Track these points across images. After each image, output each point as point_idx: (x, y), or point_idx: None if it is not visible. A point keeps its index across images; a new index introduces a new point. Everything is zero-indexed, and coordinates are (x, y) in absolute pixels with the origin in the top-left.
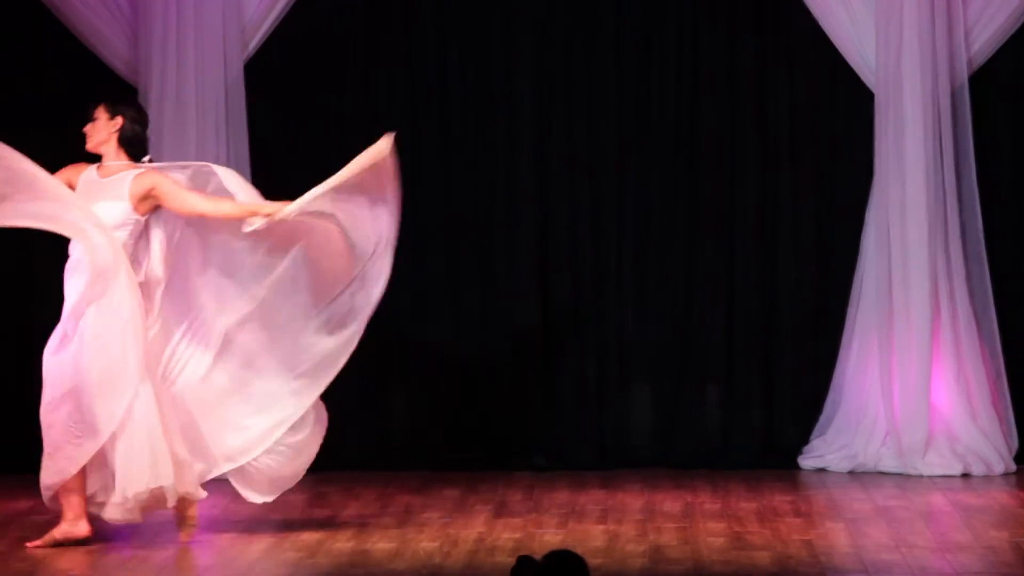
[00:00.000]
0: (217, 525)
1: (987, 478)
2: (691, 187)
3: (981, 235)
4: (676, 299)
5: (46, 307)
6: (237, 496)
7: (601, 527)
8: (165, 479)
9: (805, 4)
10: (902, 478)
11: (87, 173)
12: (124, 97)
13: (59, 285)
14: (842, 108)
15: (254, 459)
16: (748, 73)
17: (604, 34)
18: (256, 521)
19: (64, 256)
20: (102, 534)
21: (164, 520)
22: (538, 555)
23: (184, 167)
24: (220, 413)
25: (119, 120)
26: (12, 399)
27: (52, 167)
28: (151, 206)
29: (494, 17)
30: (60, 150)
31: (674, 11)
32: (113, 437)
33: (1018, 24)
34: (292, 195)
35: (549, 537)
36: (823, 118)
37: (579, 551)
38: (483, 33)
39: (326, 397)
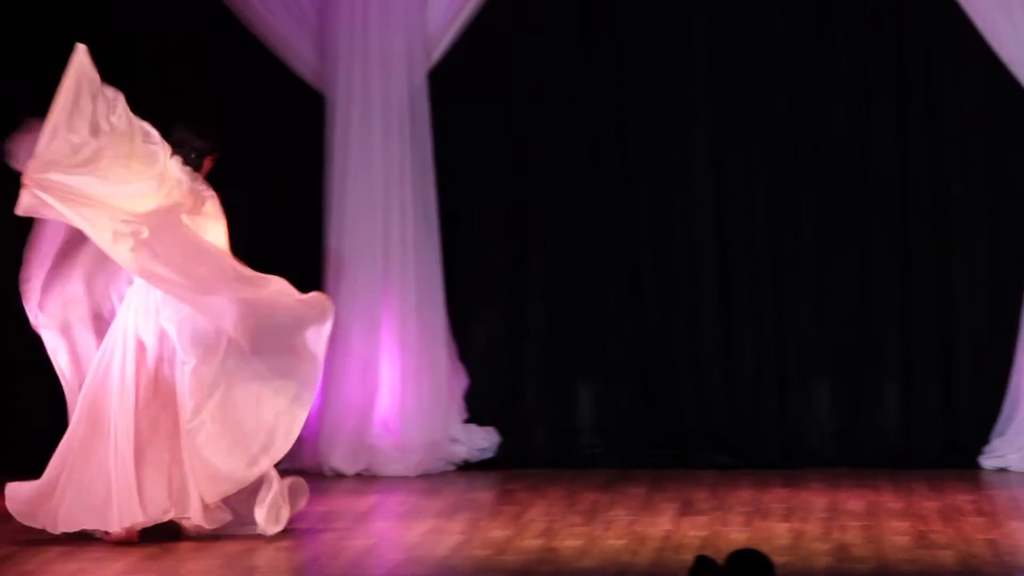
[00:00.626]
0: (406, 522)
1: None
2: (865, 188)
3: None
4: (853, 298)
5: None
6: (426, 493)
7: (786, 525)
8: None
9: (970, 20)
10: None
11: None
12: None
13: None
14: (1012, 123)
15: None
16: (917, 82)
17: (776, 39)
18: (444, 519)
19: None
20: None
21: (364, 512)
22: (724, 554)
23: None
24: None
25: None
26: None
27: (244, 173)
28: None
29: (672, 22)
30: (250, 157)
31: (843, 22)
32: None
33: None
34: (476, 199)
35: (735, 535)
36: (993, 124)
37: (764, 549)
38: (661, 38)
39: (509, 397)
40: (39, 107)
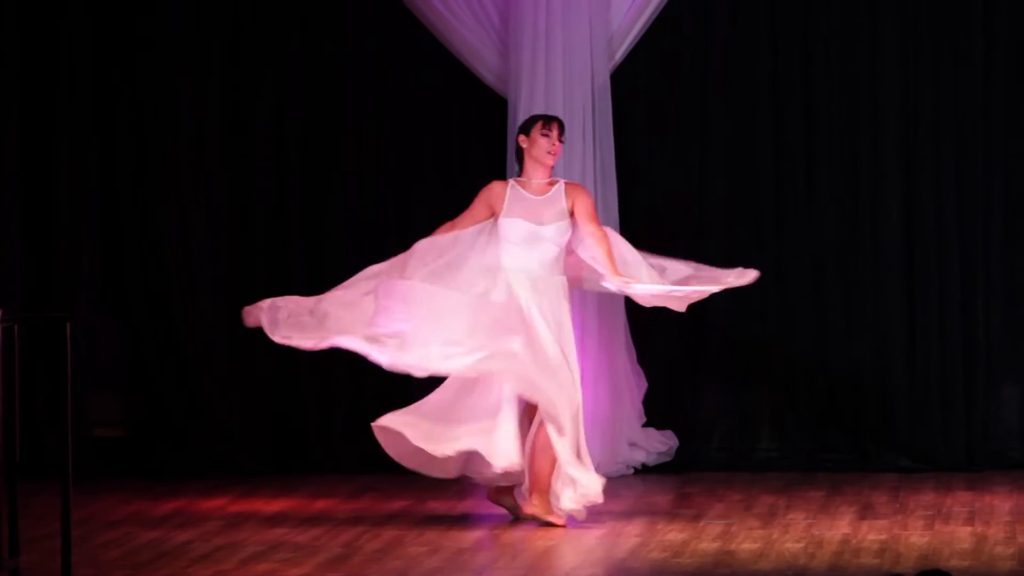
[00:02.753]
0: (584, 525)
1: None
2: None
3: None
4: None
5: None
6: (605, 495)
7: (968, 529)
8: None
9: None
10: None
11: (512, 190)
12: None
13: None
14: None
15: None
16: None
17: (971, 48)
18: (622, 521)
19: None
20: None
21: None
22: (904, 557)
23: None
24: None
25: None
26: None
27: (428, 179)
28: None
29: (860, 21)
30: (434, 163)
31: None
32: None
33: None
34: (657, 201)
35: (915, 539)
36: None
37: (945, 553)
38: (849, 38)
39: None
40: None
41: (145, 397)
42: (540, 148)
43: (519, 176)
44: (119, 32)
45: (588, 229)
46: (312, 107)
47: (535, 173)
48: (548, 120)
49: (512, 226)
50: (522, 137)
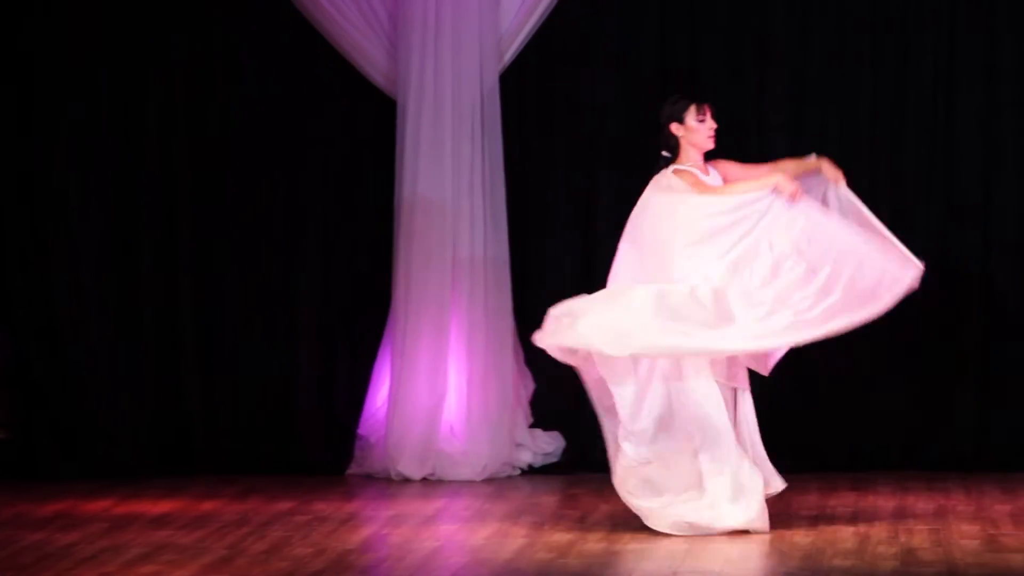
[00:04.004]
0: (470, 526)
1: None
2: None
3: None
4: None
5: None
6: (491, 497)
7: (851, 529)
8: None
9: None
10: None
11: (701, 176)
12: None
13: None
14: None
15: None
16: (1006, 73)
17: (860, 31)
18: (509, 522)
19: None
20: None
21: (430, 516)
22: (788, 556)
23: None
24: None
25: None
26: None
27: (314, 179)
28: None
29: (749, 19)
30: (321, 163)
31: (931, 10)
32: None
33: None
34: (546, 202)
35: (799, 539)
36: None
37: (828, 552)
38: (736, 35)
39: (575, 402)
40: None
41: (29, 398)
42: (701, 134)
43: (674, 162)
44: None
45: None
46: (197, 109)
47: (695, 156)
48: (700, 104)
49: None
50: (675, 125)
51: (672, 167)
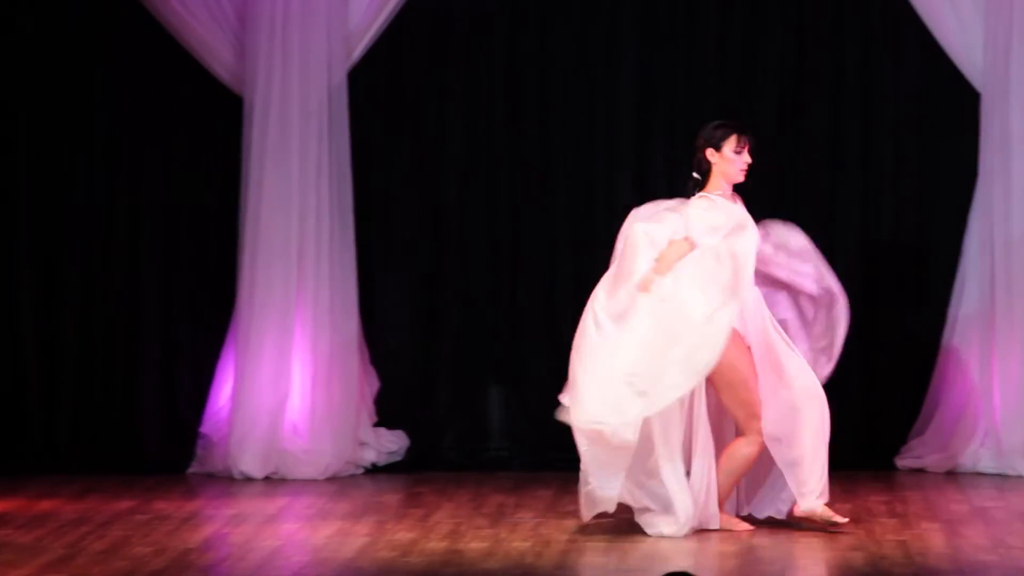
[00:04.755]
0: (313, 524)
1: None
2: (794, 184)
3: None
4: None
5: None
6: (334, 496)
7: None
8: None
9: (912, 5)
10: (1001, 479)
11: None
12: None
13: None
14: (947, 109)
15: None
16: (853, 72)
17: (708, 35)
18: (351, 521)
19: None
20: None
21: (272, 515)
22: (629, 554)
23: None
24: None
25: None
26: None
27: (159, 177)
28: None
29: (597, 22)
30: (166, 160)
31: (778, 12)
32: None
33: None
34: (393, 200)
35: (640, 538)
36: (927, 118)
37: (670, 551)
38: (585, 40)
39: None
40: None
41: None
42: (735, 166)
43: (701, 190)
44: None
45: None
46: (39, 105)
47: (723, 186)
48: (741, 135)
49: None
50: (710, 151)
51: (699, 195)
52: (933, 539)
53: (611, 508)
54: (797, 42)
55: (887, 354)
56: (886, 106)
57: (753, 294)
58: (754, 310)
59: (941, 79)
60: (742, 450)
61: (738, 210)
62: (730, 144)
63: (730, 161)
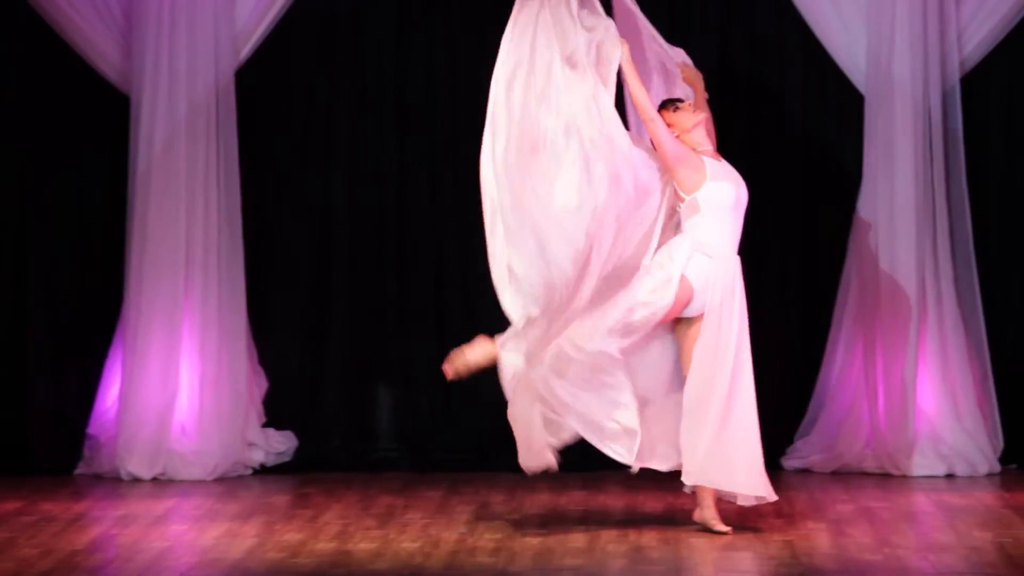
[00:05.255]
0: (201, 526)
1: (971, 479)
2: None
3: (970, 237)
4: None
5: None
6: (222, 497)
7: (582, 528)
8: None
9: (795, 6)
10: (886, 479)
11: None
12: None
13: None
14: (832, 110)
15: None
16: (738, 73)
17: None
18: (239, 522)
19: None
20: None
21: (160, 516)
22: (519, 556)
23: None
24: None
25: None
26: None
27: (45, 176)
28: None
29: (481, 21)
30: (52, 159)
31: (664, 10)
32: None
33: (1011, 27)
34: (281, 200)
35: (529, 539)
36: (813, 120)
37: (559, 552)
38: (472, 40)
39: (308, 401)
40: None
41: None
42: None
43: None
44: None
45: None
46: None
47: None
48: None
49: None
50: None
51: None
52: (819, 539)
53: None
54: (684, 43)
55: (773, 354)
56: (770, 107)
57: (735, 267)
58: (730, 280)
59: (825, 81)
60: None
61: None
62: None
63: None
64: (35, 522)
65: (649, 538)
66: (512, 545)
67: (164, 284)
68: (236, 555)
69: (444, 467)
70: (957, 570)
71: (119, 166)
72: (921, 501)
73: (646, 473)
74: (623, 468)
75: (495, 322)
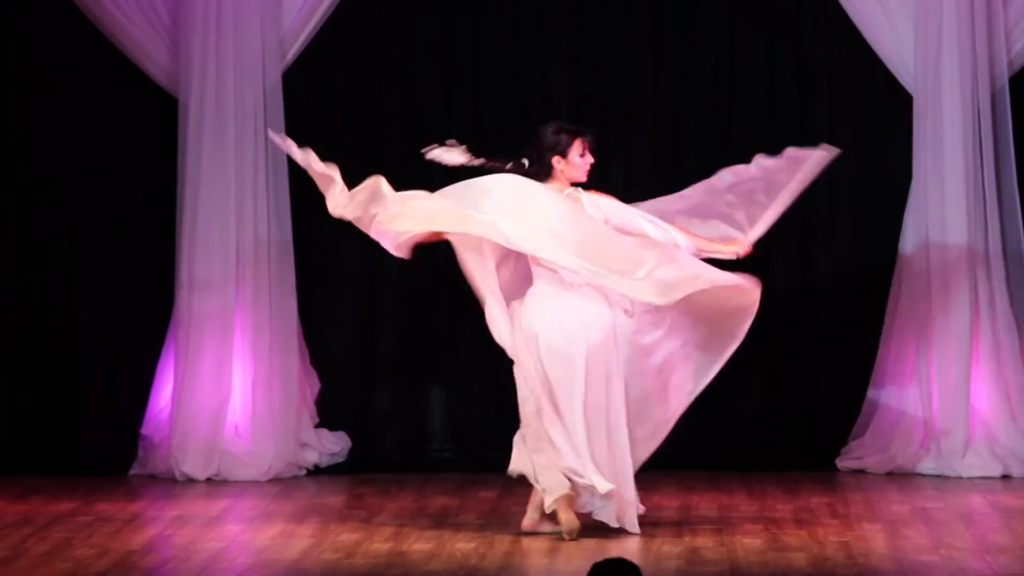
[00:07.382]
0: (256, 526)
1: None
2: None
3: (1022, 237)
4: None
5: None
6: (276, 497)
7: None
8: None
9: (843, 8)
10: (940, 480)
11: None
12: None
13: None
14: (881, 111)
15: None
16: (786, 76)
17: (641, 33)
18: (294, 523)
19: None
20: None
21: (215, 516)
22: (575, 557)
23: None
24: None
25: None
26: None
27: (96, 179)
28: None
29: (529, 23)
30: (103, 163)
31: (712, 14)
32: None
33: None
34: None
35: (586, 540)
36: (862, 121)
37: (614, 552)
38: (518, 38)
39: (361, 402)
40: None
41: None
42: (580, 169)
43: (542, 179)
44: None
45: None
46: None
47: (564, 184)
48: (584, 139)
49: None
50: (557, 158)
51: (569, 191)
52: (875, 540)
53: None
54: (730, 45)
55: (827, 355)
56: (820, 109)
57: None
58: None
59: (874, 82)
60: None
61: None
62: (575, 149)
63: (576, 166)
64: (90, 523)
65: (704, 539)
66: (567, 546)
67: (215, 285)
68: (292, 556)
69: (497, 468)
70: (1014, 571)
71: (168, 168)
72: (977, 502)
73: (699, 474)
74: (673, 468)
75: None
